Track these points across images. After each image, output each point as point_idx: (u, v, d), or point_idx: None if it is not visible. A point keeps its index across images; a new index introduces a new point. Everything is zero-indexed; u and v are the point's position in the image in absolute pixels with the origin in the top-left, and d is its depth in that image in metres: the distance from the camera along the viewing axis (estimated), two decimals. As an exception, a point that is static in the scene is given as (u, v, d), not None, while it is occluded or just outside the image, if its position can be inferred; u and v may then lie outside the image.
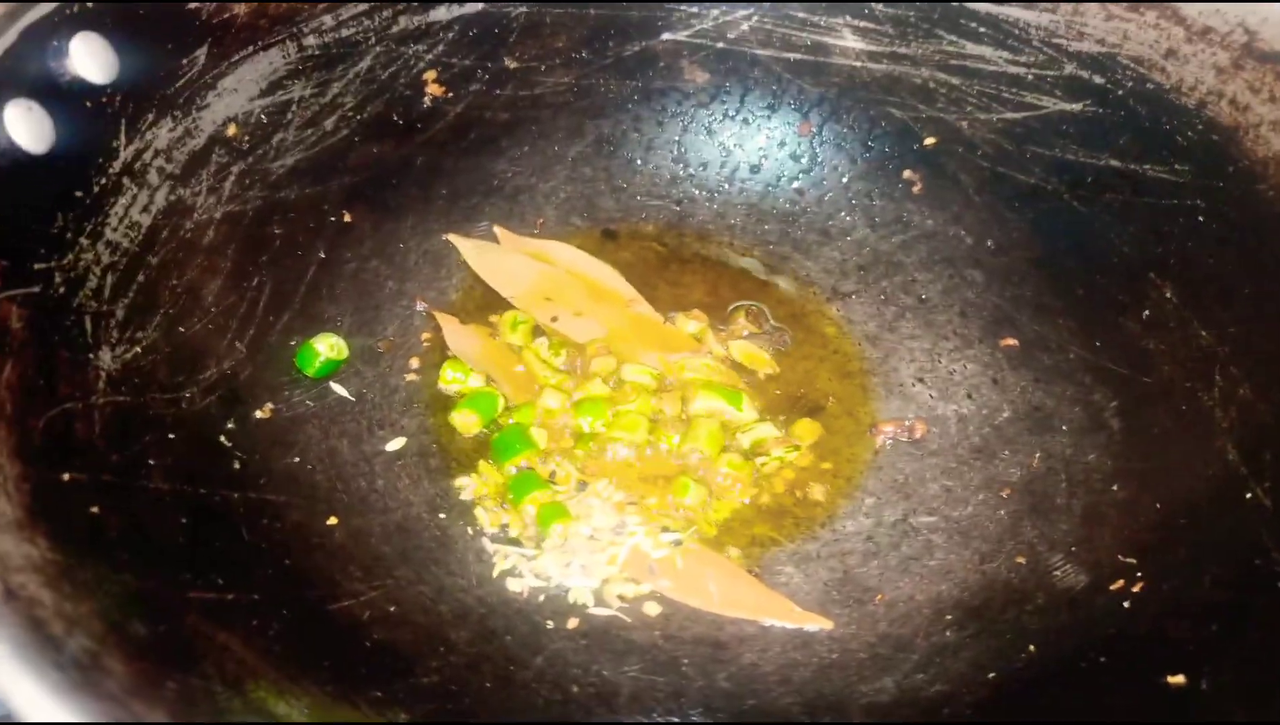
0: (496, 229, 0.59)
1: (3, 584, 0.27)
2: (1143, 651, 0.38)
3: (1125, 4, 0.52)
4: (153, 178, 0.47)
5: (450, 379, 0.52)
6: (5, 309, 0.38)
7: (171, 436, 0.42)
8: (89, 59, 0.44)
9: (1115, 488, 0.46)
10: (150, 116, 0.47)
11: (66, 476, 0.35)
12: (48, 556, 0.30)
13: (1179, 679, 0.36)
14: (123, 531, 0.35)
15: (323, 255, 0.53)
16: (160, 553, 0.36)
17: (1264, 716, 0.33)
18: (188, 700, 0.28)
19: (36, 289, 0.40)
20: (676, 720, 0.39)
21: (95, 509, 0.35)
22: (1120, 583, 0.42)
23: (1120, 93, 0.52)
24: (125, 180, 0.46)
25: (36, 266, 0.40)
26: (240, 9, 0.51)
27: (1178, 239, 0.50)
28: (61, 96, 0.43)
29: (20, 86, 0.41)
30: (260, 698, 0.30)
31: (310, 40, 0.53)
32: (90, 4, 0.45)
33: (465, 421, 0.50)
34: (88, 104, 0.44)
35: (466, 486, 0.48)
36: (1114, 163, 0.53)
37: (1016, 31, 0.54)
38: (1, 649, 0.25)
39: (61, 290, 0.41)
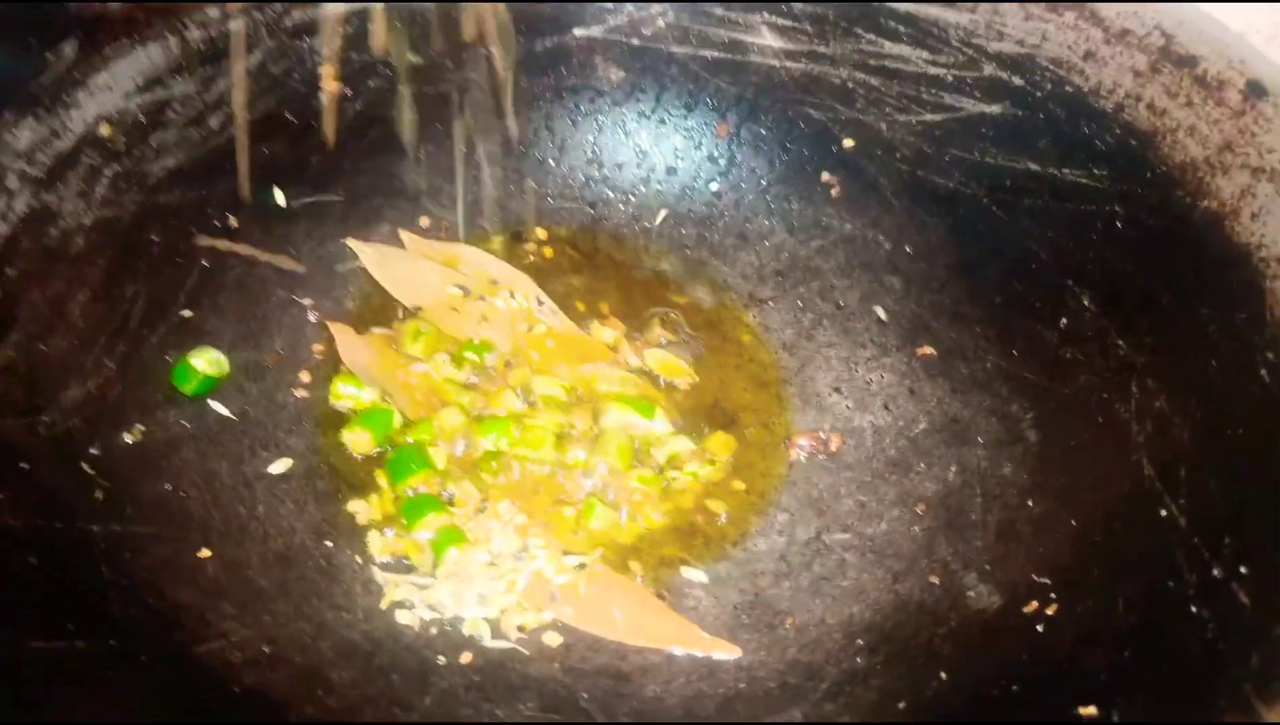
0: (401, 233, 0.56)
1: None
2: (1055, 680, 0.37)
3: (1044, 4, 0.51)
4: (12, 182, 0.44)
5: (342, 394, 0.49)
6: None
7: (25, 466, 0.38)
8: (-66, 53, 0.41)
9: (1030, 503, 0.45)
10: (9, 116, 0.44)
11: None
12: None
13: (1090, 710, 0.34)
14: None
15: (205, 263, 0.50)
16: (1, 599, 0.33)
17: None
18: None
19: None
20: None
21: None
22: (1034, 604, 0.41)
23: (1039, 95, 0.51)
24: (-21, 185, 0.42)
25: None
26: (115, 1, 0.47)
27: (1096, 245, 0.49)
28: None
29: None
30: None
31: (194, 34, 0.50)
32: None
33: (357, 440, 0.47)
34: (-68, 102, 0.41)
35: (357, 511, 0.46)
36: (1033, 166, 0.52)
37: (936, 31, 0.53)
38: None
39: (-103, 308, 0.38)
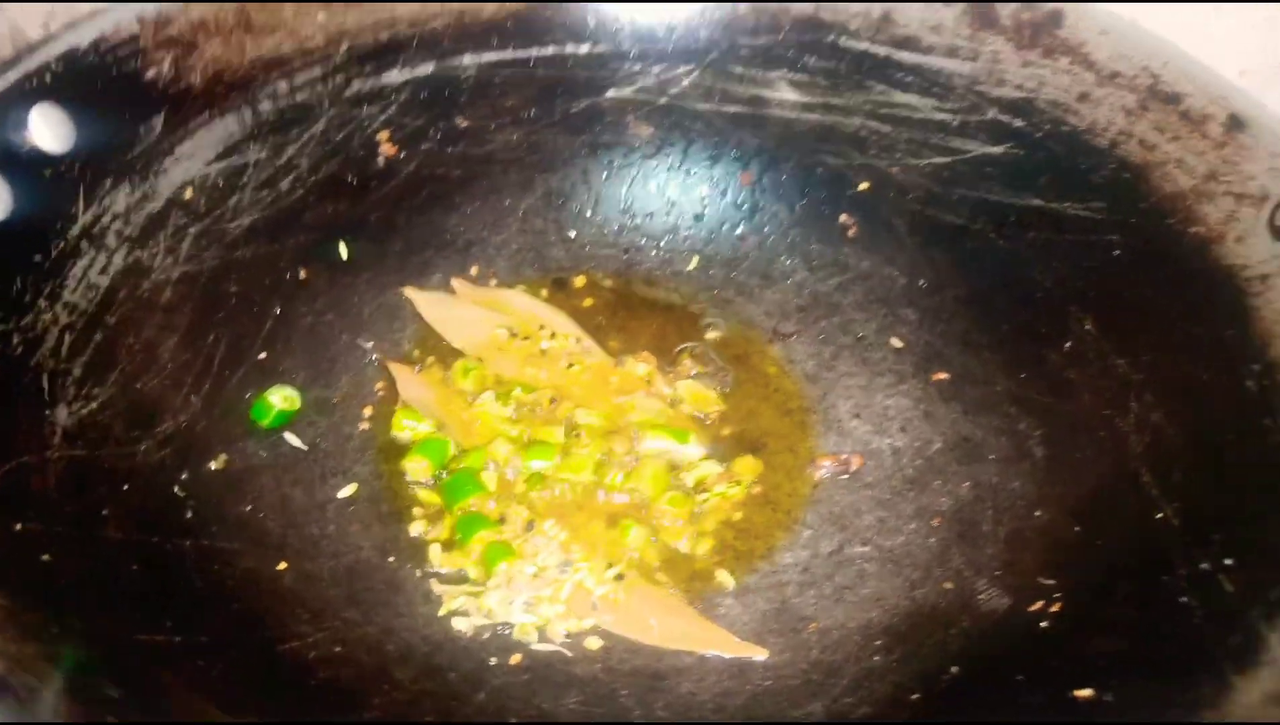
0: (453, 281, 0.61)
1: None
2: (1056, 668, 0.40)
3: (1040, 51, 0.55)
4: (110, 241, 0.49)
5: (403, 426, 0.54)
6: (-37, 369, 0.40)
7: (126, 487, 0.44)
8: (47, 129, 0.47)
9: (1038, 513, 0.48)
10: (108, 182, 0.50)
11: (19, 527, 0.37)
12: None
13: (1087, 692, 0.37)
14: (73, 579, 0.37)
15: (278, 311, 0.55)
16: (110, 598, 0.38)
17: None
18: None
19: (-6, 349, 0.42)
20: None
21: (47, 557, 0.37)
22: (1040, 603, 0.44)
23: (1039, 135, 0.55)
24: (84, 244, 0.48)
25: (-5, 328, 0.42)
26: (196, 78, 0.53)
27: (1096, 273, 0.53)
28: (20, 166, 0.45)
29: (-23, 157, 0.44)
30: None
31: (265, 106, 0.56)
32: (48, 77, 0.47)
33: (417, 467, 0.52)
34: (46, 172, 0.47)
35: (416, 530, 0.50)
36: (1035, 202, 0.55)
37: (941, 80, 0.57)
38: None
39: (19, 350, 0.43)
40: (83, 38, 0.49)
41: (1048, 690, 0.39)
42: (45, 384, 0.43)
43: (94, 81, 0.49)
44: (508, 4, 0.60)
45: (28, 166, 0.46)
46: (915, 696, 0.42)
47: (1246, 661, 0.34)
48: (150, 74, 0.51)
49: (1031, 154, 0.55)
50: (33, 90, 0.46)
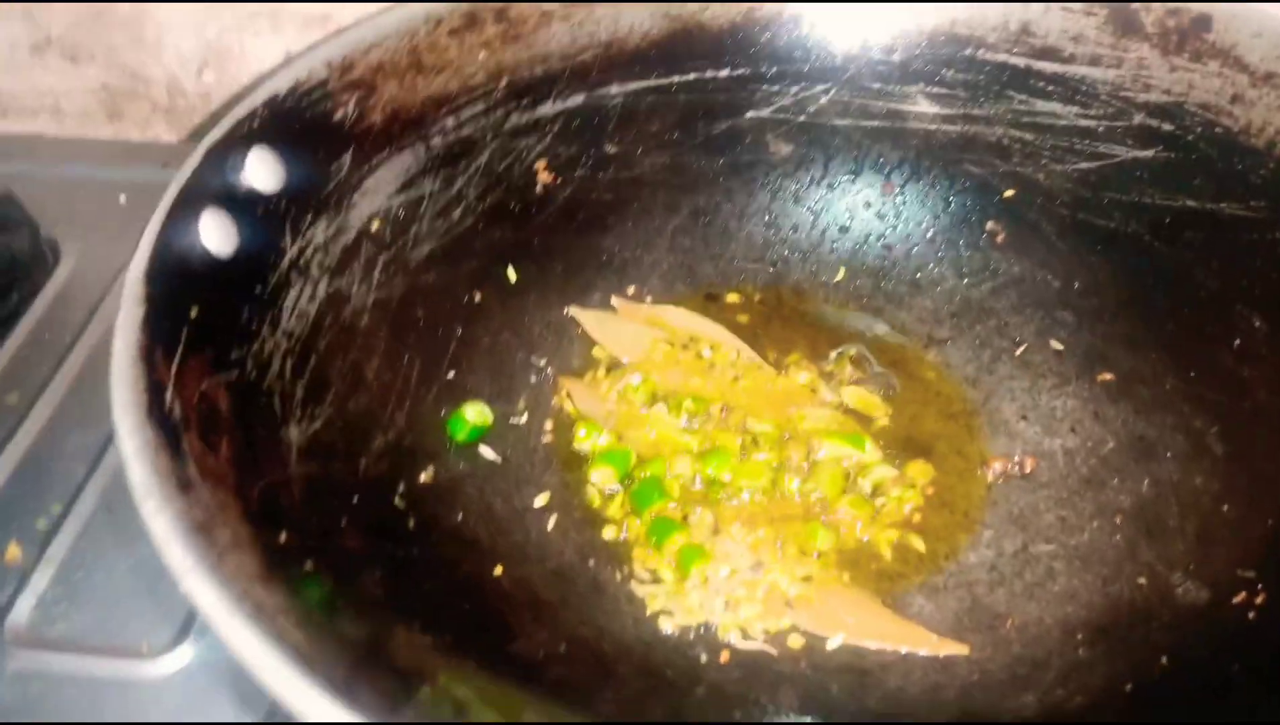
0: (615, 299, 0.63)
1: (270, 622, 0.32)
2: (1272, 658, 0.41)
3: (1187, 55, 0.56)
4: (314, 271, 0.52)
5: (583, 438, 0.56)
6: (215, 394, 0.43)
7: (355, 500, 0.46)
8: (261, 170, 0.50)
9: (1225, 508, 0.49)
10: (309, 217, 0.53)
11: (283, 538, 0.40)
12: (288, 603, 0.35)
13: (1311, 680, 0.38)
14: (335, 585, 0.39)
15: (460, 332, 0.58)
16: (369, 603, 0.40)
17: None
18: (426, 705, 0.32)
19: (235, 374, 0.45)
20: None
21: (309, 565, 0.39)
22: (1243, 595, 0.44)
23: (1190, 138, 0.55)
24: (293, 275, 0.51)
25: (234, 355, 0.45)
26: (377, 117, 0.56)
27: (1260, 271, 0.53)
28: (240, 205, 0.49)
29: (209, 198, 0.47)
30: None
31: (436, 141, 0.59)
32: (256, 122, 0.51)
33: (603, 475, 0.54)
34: (260, 210, 0.50)
35: (609, 534, 0.52)
36: (1190, 203, 0.56)
37: (1084, 88, 0.58)
38: (285, 668, 0.29)
39: (254, 375, 0.46)
40: (280, 84, 0.53)
41: (1272, 680, 0.39)
42: (277, 406, 0.46)
43: (292, 124, 0.52)
44: (651, 34, 0.62)
45: (246, 205, 0.49)
46: (1129, 687, 0.42)
47: None
48: (338, 115, 0.55)
49: (1184, 157, 0.56)
50: (248, 134, 0.50)
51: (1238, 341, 0.53)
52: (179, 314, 0.43)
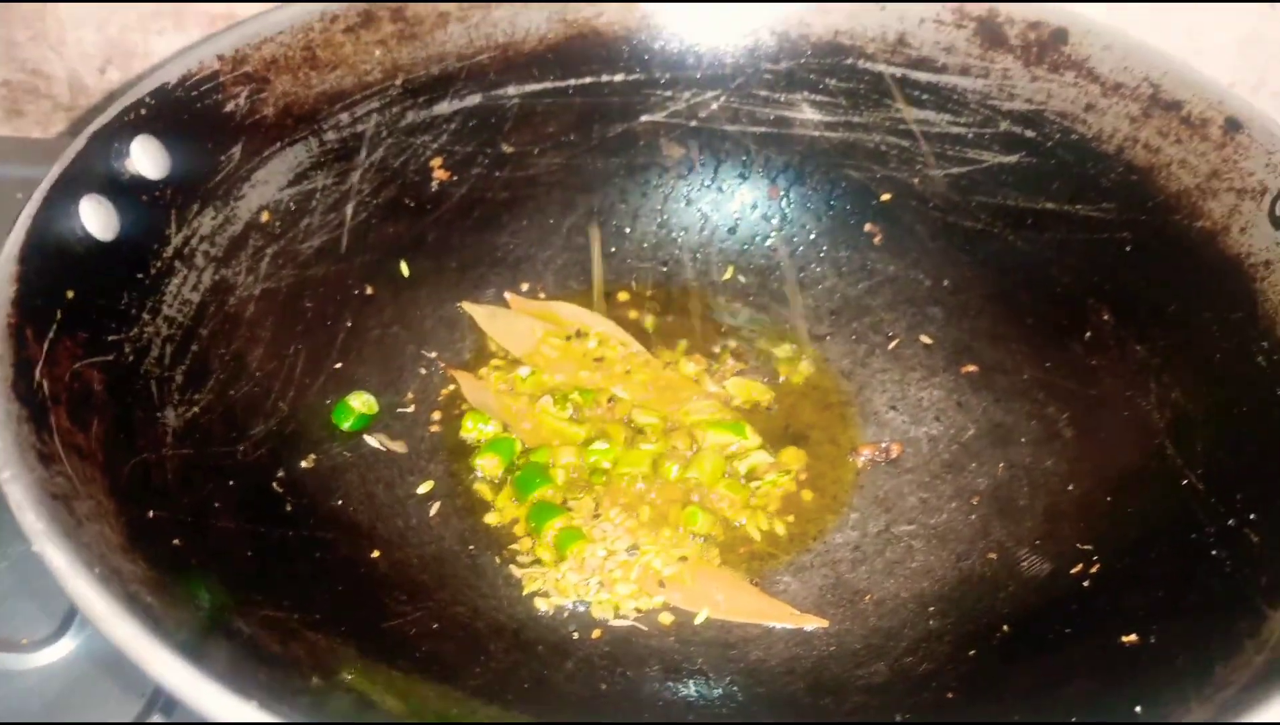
0: (507, 294, 0.65)
1: (123, 586, 0.32)
2: (1101, 620, 0.44)
3: (1046, 66, 0.59)
4: (199, 261, 0.53)
5: (471, 428, 0.57)
6: (89, 375, 0.43)
7: (231, 483, 0.47)
8: (145, 158, 0.51)
9: (1071, 487, 0.52)
10: (196, 207, 0.53)
11: (151, 514, 0.40)
12: (148, 573, 0.35)
13: (1132, 638, 0.41)
14: (201, 560, 0.40)
15: (349, 324, 0.59)
16: (234, 579, 0.41)
17: (1206, 666, 0.38)
18: (280, 682, 0.33)
19: (111, 357, 0.45)
20: (700, 704, 0.44)
21: (177, 542, 0.40)
22: (1080, 566, 0.47)
23: (1050, 144, 0.59)
24: (177, 263, 0.51)
25: (110, 338, 0.46)
26: (269, 110, 0.57)
27: (1110, 268, 0.57)
28: (123, 191, 0.49)
29: (91, 183, 0.47)
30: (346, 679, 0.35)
31: (330, 136, 0.60)
32: (144, 110, 0.51)
33: (488, 464, 0.56)
34: (144, 197, 0.50)
35: (491, 520, 0.54)
36: (1049, 205, 0.59)
37: (955, 96, 0.61)
38: (136, 629, 0.30)
39: (130, 358, 0.46)
40: (170, 74, 0.53)
41: (1095, 639, 0.42)
42: (154, 389, 0.47)
43: (181, 114, 0.53)
44: (547, 38, 0.64)
45: (130, 192, 0.50)
46: (972, 653, 0.45)
47: (1278, 595, 0.38)
48: (229, 107, 0.55)
49: (1044, 161, 0.59)
50: (132, 122, 0.50)
51: (1089, 333, 0.57)
52: (53, 295, 0.43)
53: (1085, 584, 0.46)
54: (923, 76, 0.62)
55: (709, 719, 0.44)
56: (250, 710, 0.30)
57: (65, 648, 0.51)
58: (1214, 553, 0.43)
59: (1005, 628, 0.46)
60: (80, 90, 0.85)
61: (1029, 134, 0.60)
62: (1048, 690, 0.40)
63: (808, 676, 0.46)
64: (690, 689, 0.46)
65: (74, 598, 0.32)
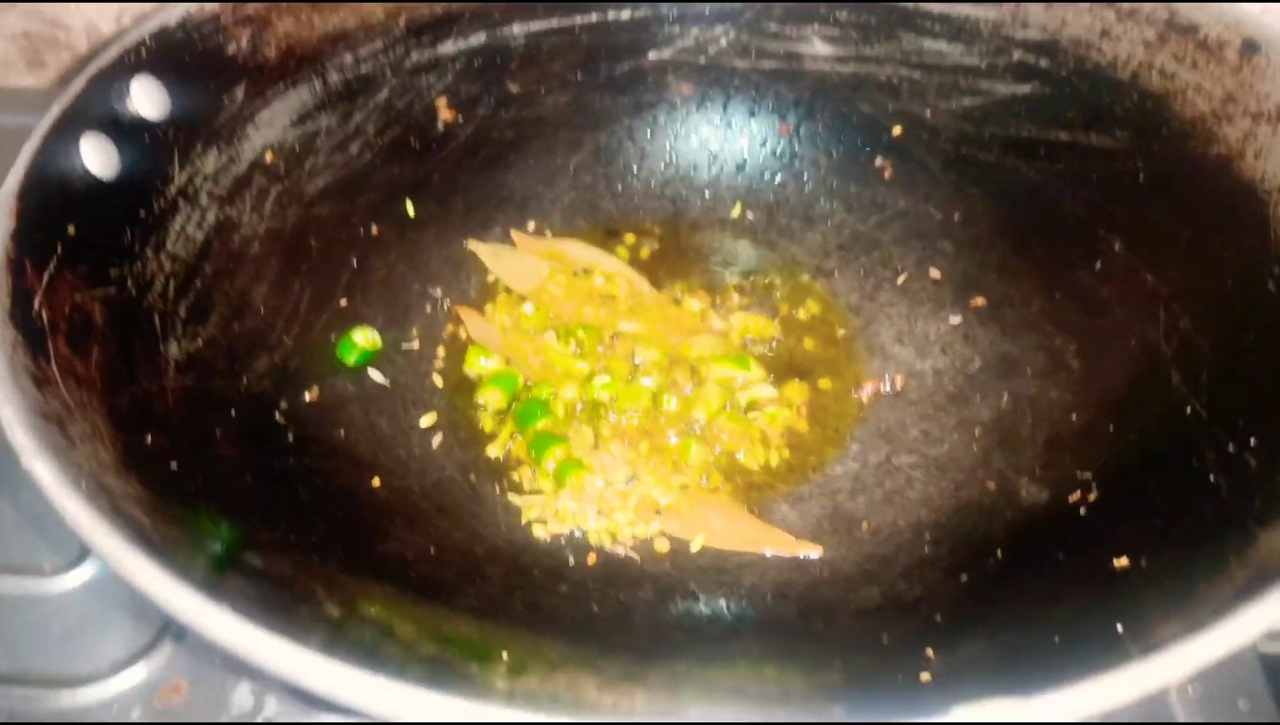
0: (514, 233, 0.65)
1: (112, 502, 0.33)
2: (1094, 545, 0.43)
3: (1061, -6, 0.57)
4: (203, 200, 0.54)
5: (475, 363, 0.58)
6: (90, 306, 0.44)
7: (233, 413, 0.48)
8: (146, 98, 0.51)
9: (1074, 417, 0.51)
10: (199, 146, 0.54)
11: (150, 439, 0.41)
12: (142, 493, 0.36)
13: (1123, 561, 0.41)
14: (199, 485, 0.41)
15: (355, 264, 0.60)
16: (231, 503, 0.42)
17: (1189, 585, 0.38)
18: (269, 598, 0.34)
19: (113, 291, 0.46)
20: (688, 623, 0.44)
21: (175, 465, 0.41)
22: (1078, 494, 0.47)
23: (1063, 73, 0.58)
24: (180, 201, 0.52)
25: (112, 272, 0.47)
26: (271, 52, 0.57)
27: (1123, 197, 0.56)
28: (124, 131, 0.50)
29: (91, 122, 0.48)
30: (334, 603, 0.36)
31: (334, 77, 0.60)
32: (144, 52, 0.52)
33: (491, 397, 0.56)
34: (146, 137, 0.51)
35: (492, 452, 0.54)
36: (1062, 135, 0.58)
37: (967, 26, 0.60)
38: (123, 544, 0.31)
39: (133, 293, 0.47)
40: (171, 16, 0.54)
41: (1087, 564, 0.42)
42: (156, 323, 0.48)
43: (183, 55, 0.53)
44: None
45: (131, 131, 0.50)
46: (964, 578, 0.45)
47: (1269, 517, 0.37)
48: (231, 49, 0.56)
49: (1057, 91, 0.58)
50: (133, 63, 0.51)
51: (1099, 264, 0.56)
52: (53, 230, 0.44)
53: (1082, 511, 0.46)
54: (935, 7, 0.61)
55: (696, 640, 0.44)
56: (229, 618, 0.31)
57: (85, 573, 0.53)
58: (1211, 478, 0.42)
59: (999, 553, 0.46)
60: (98, 39, 0.86)
61: (1043, 63, 0.58)
62: (1033, 612, 0.40)
63: (800, 601, 0.46)
64: (680, 609, 0.46)
65: (62, 513, 0.33)
